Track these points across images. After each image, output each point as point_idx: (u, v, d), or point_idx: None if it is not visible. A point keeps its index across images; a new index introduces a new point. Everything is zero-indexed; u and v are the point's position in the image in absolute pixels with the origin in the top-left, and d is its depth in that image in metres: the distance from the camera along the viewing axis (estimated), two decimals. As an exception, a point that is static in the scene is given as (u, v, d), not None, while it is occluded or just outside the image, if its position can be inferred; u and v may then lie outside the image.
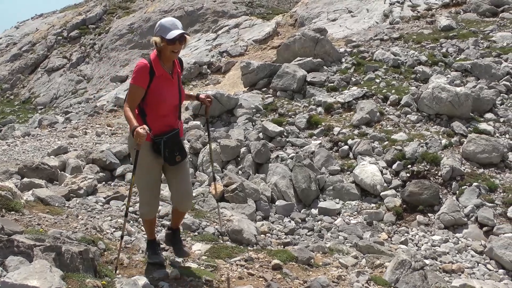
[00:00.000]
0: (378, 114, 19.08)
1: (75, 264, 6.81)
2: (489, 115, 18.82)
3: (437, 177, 15.96)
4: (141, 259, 8.46)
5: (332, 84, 21.81)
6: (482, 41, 25.02)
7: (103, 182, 14.48)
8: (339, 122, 19.06)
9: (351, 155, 17.40)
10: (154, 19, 43.81)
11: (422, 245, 13.77)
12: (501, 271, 12.81)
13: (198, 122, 19.79)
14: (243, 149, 17.22)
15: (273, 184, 15.80)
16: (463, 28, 27.30)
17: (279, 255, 9.55)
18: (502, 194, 15.24)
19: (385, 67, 23.00)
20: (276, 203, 15.21)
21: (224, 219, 11.63)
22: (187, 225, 11.00)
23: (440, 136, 17.58)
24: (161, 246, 8.79)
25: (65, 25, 49.97)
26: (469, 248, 13.62)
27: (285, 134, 18.39)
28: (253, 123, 19.33)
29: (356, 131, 18.30)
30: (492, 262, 13.06)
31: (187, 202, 8.13)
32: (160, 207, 12.37)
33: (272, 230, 12.96)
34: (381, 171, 16.32)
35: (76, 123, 24.09)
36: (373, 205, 15.62)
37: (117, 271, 7.81)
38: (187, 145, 17.05)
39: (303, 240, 13.20)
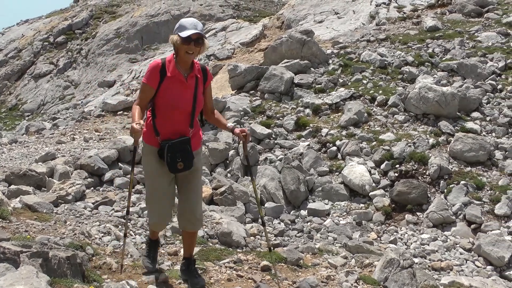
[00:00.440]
0: (365, 114, 19.14)
1: (63, 269, 6.79)
2: (475, 114, 18.92)
3: (425, 176, 16.04)
4: (129, 263, 8.46)
5: (319, 86, 21.84)
6: (467, 41, 25.12)
7: (92, 188, 14.40)
8: (327, 123, 19.11)
9: (339, 156, 17.44)
10: (140, 23, 43.84)
11: (411, 243, 13.84)
12: (489, 267, 12.92)
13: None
14: (231, 152, 17.25)
15: (262, 186, 15.84)
16: (448, 28, 27.39)
17: (268, 257, 9.57)
18: (489, 191, 15.35)
19: (372, 68, 23.06)
20: (265, 205, 15.25)
21: (213, 222, 11.66)
22: (176, 229, 11.00)
23: (428, 135, 17.66)
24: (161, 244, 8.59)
25: (51, 30, 49.79)
26: (458, 245, 13.71)
27: (273, 136, 18.43)
28: (241, 126, 19.33)
29: (344, 132, 18.35)
30: (480, 259, 13.17)
31: (193, 220, 7.49)
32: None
33: (262, 232, 12.99)
34: (370, 171, 16.38)
35: (63, 129, 24.00)
36: (362, 205, 15.67)
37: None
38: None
39: (293, 242, 13.26)
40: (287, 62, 23.41)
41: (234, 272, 8.69)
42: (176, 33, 7.02)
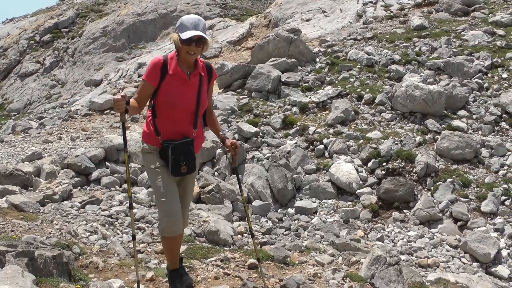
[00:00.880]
0: (352, 113, 19.17)
1: (49, 268, 6.80)
2: (462, 112, 19.00)
3: (412, 174, 16.10)
4: (116, 262, 8.45)
5: (306, 84, 21.85)
6: (454, 40, 25.17)
7: (79, 187, 14.37)
8: (314, 122, 19.12)
9: (326, 154, 17.47)
10: (127, 22, 43.74)
11: (398, 241, 13.91)
12: (475, 264, 13.03)
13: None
14: (218, 151, 17.23)
15: (250, 185, 15.84)
16: (435, 27, 27.45)
17: (255, 255, 9.58)
18: (475, 189, 15.44)
19: (359, 66, 23.10)
20: (253, 203, 15.26)
21: (200, 220, 11.66)
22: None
23: (414, 133, 17.72)
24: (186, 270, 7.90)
25: (37, 29, 49.60)
26: (444, 242, 13.79)
27: (260, 134, 18.43)
28: (229, 124, 19.33)
29: (331, 130, 18.37)
30: (466, 255, 13.28)
31: (184, 224, 7.16)
32: (136, 210, 12.38)
33: (249, 230, 12.99)
34: (357, 169, 16.41)
35: (50, 128, 23.91)
36: (349, 203, 15.70)
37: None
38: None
39: (280, 240, 13.26)
40: (274, 60, 23.40)
41: (221, 270, 8.70)
42: (177, 32, 6.73)
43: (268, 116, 19.70)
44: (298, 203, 15.53)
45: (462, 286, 10.44)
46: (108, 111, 24.45)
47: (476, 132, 17.98)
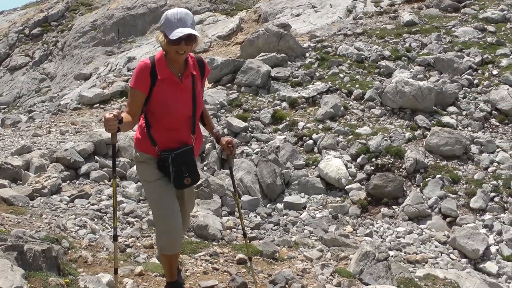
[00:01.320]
0: (342, 108, 19.17)
1: (38, 262, 6.77)
2: (451, 109, 19.02)
3: (401, 169, 16.12)
4: (105, 257, 8.43)
5: (296, 79, 21.81)
6: (444, 36, 25.19)
7: (68, 181, 14.34)
8: (304, 117, 19.10)
9: (315, 149, 17.46)
10: (117, 16, 43.57)
11: (387, 237, 13.92)
12: (464, 260, 13.08)
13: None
14: (208, 145, 17.19)
15: (239, 180, 15.80)
16: (425, 23, 27.46)
17: (244, 250, 9.56)
18: (465, 185, 15.48)
19: (348, 62, 23.07)
20: (242, 198, 15.21)
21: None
22: (152, 222, 10.96)
23: (404, 129, 17.74)
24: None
25: (26, 22, 49.35)
26: (433, 238, 13.83)
27: (249, 129, 18.40)
28: (218, 119, 19.28)
29: (320, 126, 18.36)
30: (455, 251, 13.34)
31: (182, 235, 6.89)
32: (124, 204, 12.37)
33: (238, 225, 12.98)
34: (346, 165, 16.41)
35: (39, 122, 23.80)
36: (338, 198, 15.71)
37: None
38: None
39: (269, 235, 13.26)
40: (264, 55, 23.37)
41: (210, 265, 8.69)
42: (163, 30, 6.07)
43: (257, 111, 19.66)
44: (287, 198, 15.52)
45: (451, 282, 10.44)
46: (97, 105, 24.36)
47: (466, 129, 18.00)
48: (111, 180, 6.47)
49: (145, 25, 42.94)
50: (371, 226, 14.48)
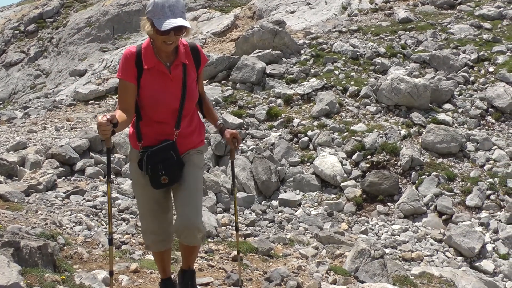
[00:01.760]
0: (337, 105, 19.13)
1: (34, 259, 6.74)
2: (447, 106, 19.02)
3: (396, 167, 16.09)
4: (101, 253, 8.40)
5: (291, 76, 21.79)
6: (440, 33, 25.18)
7: (63, 177, 14.32)
8: (299, 114, 19.07)
9: (311, 146, 17.44)
10: (112, 12, 43.47)
11: (382, 234, 13.90)
12: (459, 258, 13.04)
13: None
14: (202, 142, 17.13)
15: (234, 176, 15.75)
16: (421, 20, 27.45)
17: (239, 246, 9.53)
18: (460, 183, 15.46)
19: (344, 59, 23.06)
20: (237, 195, 15.17)
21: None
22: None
23: (399, 126, 17.71)
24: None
25: (22, 18, 49.27)
26: (428, 236, 13.81)
27: (245, 126, 18.36)
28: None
29: (315, 123, 18.32)
30: (451, 249, 13.31)
31: (188, 232, 5.81)
32: (120, 201, 12.33)
33: (233, 222, 12.94)
34: (341, 162, 16.38)
35: (35, 118, 23.78)
36: (333, 195, 15.67)
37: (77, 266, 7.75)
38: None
39: (264, 232, 13.23)
40: (259, 52, 23.34)
41: (205, 262, 8.67)
42: (149, 18, 5.54)
43: (252, 108, 19.61)
44: (282, 195, 15.48)
45: (447, 280, 10.42)
46: (92, 101, 24.32)
47: (462, 126, 18.00)
48: (107, 182, 5.67)
49: (139, 21, 42.95)
50: (366, 224, 14.46)
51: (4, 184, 12.30)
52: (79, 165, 15.00)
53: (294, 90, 20.55)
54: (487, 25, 25.43)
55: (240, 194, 15.20)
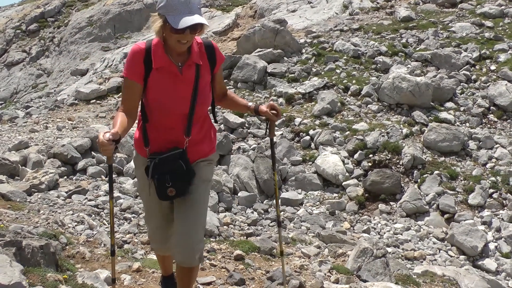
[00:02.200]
0: (339, 104, 19.11)
1: (36, 258, 6.74)
2: (449, 104, 18.99)
3: (398, 166, 16.07)
4: (103, 253, 8.39)
5: (292, 75, 21.78)
6: (441, 32, 25.17)
7: (65, 177, 14.33)
8: (300, 113, 19.05)
9: (312, 145, 17.42)
10: (113, 11, 43.46)
11: (385, 233, 13.89)
12: (462, 257, 13.03)
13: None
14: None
15: (235, 176, 15.75)
16: (422, 18, 27.44)
17: (241, 246, 9.52)
18: (463, 181, 15.45)
19: (345, 57, 23.04)
20: (239, 194, 15.18)
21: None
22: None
23: (401, 125, 17.69)
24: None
25: (23, 18, 49.26)
26: (431, 235, 13.81)
27: (246, 125, 18.33)
28: (215, 115, 19.20)
29: (317, 122, 18.30)
30: (453, 248, 13.31)
31: (186, 253, 5.30)
32: (121, 200, 12.33)
33: (235, 221, 12.95)
34: (343, 161, 16.36)
35: (36, 117, 23.80)
36: (335, 195, 15.65)
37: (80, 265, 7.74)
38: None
39: (266, 231, 13.21)
40: (260, 51, 23.32)
41: (207, 261, 8.65)
42: (162, 15, 5.01)
43: (254, 107, 19.56)
44: (284, 195, 15.47)
45: (449, 279, 10.41)
46: (94, 101, 24.32)
47: (464, 125, 17.97)
48: (110, 198, 5.06)
49: (141, 20, 42.82)
50: (368, 223, 14.45)
51: (6, 184, 12.29)
52: (81, 164, 15.01)
53: (296, 89, 20.53)
54: (488, 23, 25.41)
55: (242, 193, 15.20)
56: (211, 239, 10.39)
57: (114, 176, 13.95)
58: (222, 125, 18.13)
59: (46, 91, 37.09)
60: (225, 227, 12.07)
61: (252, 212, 14.57)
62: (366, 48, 23.62)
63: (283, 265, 6.65)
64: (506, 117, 18.45)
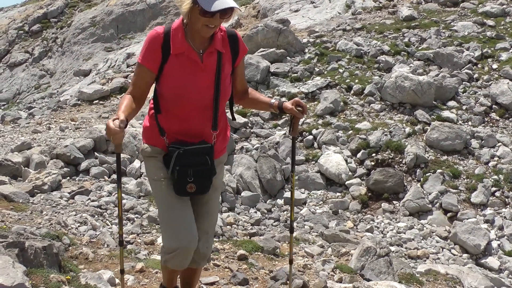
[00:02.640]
0: (341, 103, 19.13)
1: (39, 259, 6.76)
2: (451, 103, 18.99)
3: (401, 165, 16.09)
4: (106, 253, 8.42)
5: (295, 75, 21.76)
6: (443, 31, 25.15)
7: (68, 177, 14.34)
8: (303, 112, 19.04)
9: (315, 144, 17.43)
10: (116, 12, 43.50)
11: (388, 232, 13.92)
12: (465, 255, 13.07)
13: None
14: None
15: (239, 175, 15.79)
16: (424, 18, 27.42)
17: (244, 246, 9.55)
18: (465, 180, 15.47)
19: (348, 57, 23.02)
20: (242, 194, 15.21)
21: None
22: (153, 218, 10.97)
23: (404, 124, 17.71)
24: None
25: (26, 19, 49.30)
26: (434, 234, 13.84)
27: (249, 125, 18.35)
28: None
29: (320, 121, 18.32)
30: (456, 247, 13.34)
31: (197, 255, 5.20)
32: (125, 201, 12.35)
33: (238, 221, 13.00)
34: (346, 160, 16.39)
35: (39, 118, 23.84)
36: (338, 194, 15.68)
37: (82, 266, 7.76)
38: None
39: (269, 231, 13.26)
40: (263, 51, 23.32)
41: (211, 261, 8.66)
42: None
43: (257, 107, 19.57)
44: (287, 194, 15.50)
45: (452, 278, 10.43)
46: (97, 101, 24.36)
47: (466, 123, 17.98)
48: (118, 187, 4.73)
49: (144, 21, 42.89)
50: (371, 222, 14.48)
51: (9, 185, 12.34)
52: (83, 165, 15.03)
53: (299, 88, 20.54)
54: (490, 22, 25.38)
55: (245, 193, 15.23)
56: (214, 239, 10.42)
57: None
58: (225, 125, 18.14)
59: (49, 91, 37.15)
60: (228, 227, 12.11)
61: (255, 212, 14.61)
62: (369, 48, 23.62)
63: (290, 271, 6.47)
64: (508, 115, 18.46)
